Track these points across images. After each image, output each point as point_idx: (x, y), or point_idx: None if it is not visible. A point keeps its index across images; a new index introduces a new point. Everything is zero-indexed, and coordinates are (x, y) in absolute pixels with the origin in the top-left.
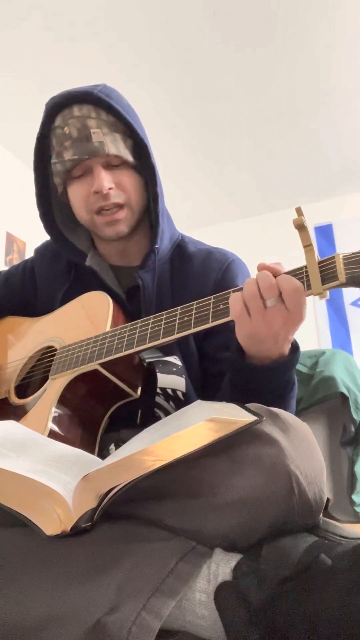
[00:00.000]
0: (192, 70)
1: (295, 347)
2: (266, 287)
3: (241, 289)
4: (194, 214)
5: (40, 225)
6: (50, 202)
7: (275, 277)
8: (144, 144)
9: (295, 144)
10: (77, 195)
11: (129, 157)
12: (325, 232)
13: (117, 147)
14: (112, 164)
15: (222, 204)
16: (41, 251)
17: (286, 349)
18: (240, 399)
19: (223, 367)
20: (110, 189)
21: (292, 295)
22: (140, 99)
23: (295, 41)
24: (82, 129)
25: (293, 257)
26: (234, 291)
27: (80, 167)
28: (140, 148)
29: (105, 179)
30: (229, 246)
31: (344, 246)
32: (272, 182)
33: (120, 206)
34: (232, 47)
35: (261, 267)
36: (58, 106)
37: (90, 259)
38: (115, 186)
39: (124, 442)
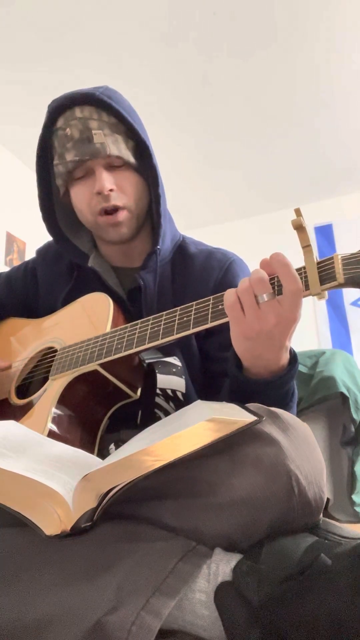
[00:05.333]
0: (192, 71)
1: (293, 358)
2: (256, 281)
3: None
4: (194, 214)
5: (40, 225)
6: (53, 204)
7: (269, 273)
8: (146, 145)
9: (296, 144)
10: (80, 197)
11: (131, 158)
12: (325, 232)
13: (118, 148)
14: (114, 165)
15: (222, 204)
16: (43, 252)
17: (284, 358)
18: None
19: (224, 367)
20: (111, 190)
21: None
22: (140, 100)
23: (295, 41)
24: (83, 130)
25: (293, 257)
26: None
27: (82, 168)
28: (141, 149)
29: (107, 180)
30: (229, 247)
31: (344, 246)
32: (272, 183)
33: (121, 209)
34: (232, 48)
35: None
36: (60, 108)
37: (92, 260)
38: (116, 188)
39: (124, 442)
